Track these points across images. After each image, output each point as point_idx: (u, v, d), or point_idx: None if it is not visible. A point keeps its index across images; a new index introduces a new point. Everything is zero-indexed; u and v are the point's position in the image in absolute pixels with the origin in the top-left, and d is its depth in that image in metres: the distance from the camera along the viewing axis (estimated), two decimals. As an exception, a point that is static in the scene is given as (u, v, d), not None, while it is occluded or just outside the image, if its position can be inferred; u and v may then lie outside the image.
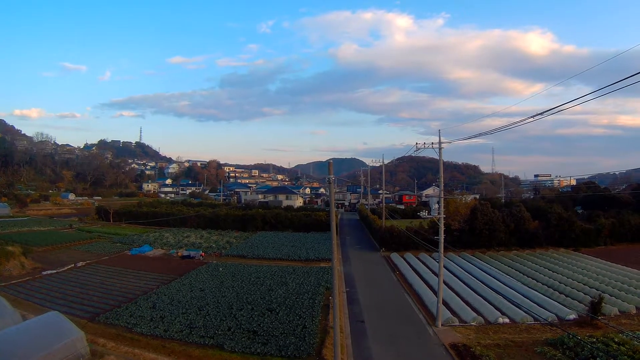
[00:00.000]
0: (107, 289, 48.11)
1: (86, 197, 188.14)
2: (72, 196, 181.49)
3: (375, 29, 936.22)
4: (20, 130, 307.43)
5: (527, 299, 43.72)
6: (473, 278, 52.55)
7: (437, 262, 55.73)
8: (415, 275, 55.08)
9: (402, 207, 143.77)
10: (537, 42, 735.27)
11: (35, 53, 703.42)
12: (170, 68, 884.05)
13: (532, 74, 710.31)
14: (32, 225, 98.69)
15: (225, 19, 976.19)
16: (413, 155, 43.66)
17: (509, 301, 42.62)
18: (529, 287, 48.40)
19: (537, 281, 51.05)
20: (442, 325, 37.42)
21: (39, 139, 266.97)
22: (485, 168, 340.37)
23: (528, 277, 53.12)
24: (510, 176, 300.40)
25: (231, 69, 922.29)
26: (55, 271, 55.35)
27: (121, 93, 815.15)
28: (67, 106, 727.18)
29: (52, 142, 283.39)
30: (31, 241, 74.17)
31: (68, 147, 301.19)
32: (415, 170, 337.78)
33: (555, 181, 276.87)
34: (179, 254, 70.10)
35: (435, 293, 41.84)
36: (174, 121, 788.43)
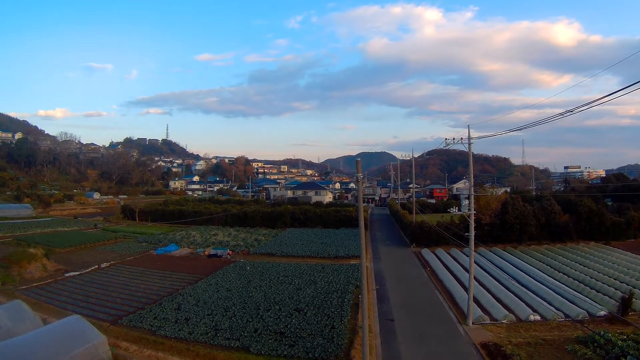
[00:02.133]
0: (131, 290, 48.58)
1: (111, 196, 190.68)
2: (97, 195, 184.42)
3: (405, 22, 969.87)
4: (44, 131, 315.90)
5: (558, 295, 43.52)
6: (504, 274, 52.32)
7: (469, 258, 54.89)
8: (446, 271, 55.24)
9: (433, 201, 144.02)
10: (564, 33, 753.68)
11: (60, 54, 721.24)
12: (198, 65, 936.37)
13: (561, 65, 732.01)
14: (55, 225, 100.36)
15: (253, 15, 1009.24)
16: (443, 148, 43.33)
17: (540, 298, 42.73)
18: (560, 283, 48.30)
19: (568, 276, 50.89)
20: (472, 323, 37.39)
21: (63, 139, 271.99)
22: (515, 160, 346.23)
23: (559, 272, 52.96)
24: (541, 168, 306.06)
25: (259, 65, 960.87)
26: (78, 273, 56.06)
27: (148, 91, 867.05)
28: (93, 105, 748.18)
29: (77, 141, 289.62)
30: (54, 242, 75.28)
31: (93, 146, 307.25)
32: (445, 163, 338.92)
33: (584, 173, 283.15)
34: (206, 252, 70.50)
35: (467, 290, 41.74)
36: (202, 118, 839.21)
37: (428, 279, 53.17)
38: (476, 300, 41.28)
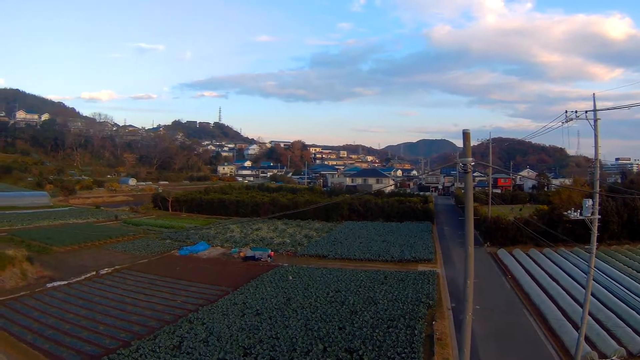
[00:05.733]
0: (125, 311, 39.07)
1: (150, 182, 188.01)
2: (132, 181, 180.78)
3: (467, 10, 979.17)
4: (80, 112, 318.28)
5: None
6: (596, 284, 44.29)
7: (552, 261, 56.28)
8: (530, 280, 49.79)
9: (498, 191, 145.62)
10: (616, 27, 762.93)
11: (105, 34, 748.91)
12: (257, 47, 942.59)
13: (612, 58, 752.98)
14: (69, 217, 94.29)
15: None
16: (560, 124, 36.03)
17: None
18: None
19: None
20: (581, 363, 30.59)
21: (99, 120, 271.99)
22: (569, 151, 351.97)
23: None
24: (593, 159, 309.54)
25: (321, 48, 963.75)
26: (65, 282, 47.31)
27: (203, 73, 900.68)
28: (142, 88, 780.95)
29: (112, 122, 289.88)
30: (54, 238, 68.08)
31: (131, 128, 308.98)
32: (504, 152, 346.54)
33: (634, 165, 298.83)
34: (242, 254, 62.06)
35: (558, 305, 39.54)
36: (260, 102, 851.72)
37: (512, 292, 47.64)
38: (572, 322, 36.30)
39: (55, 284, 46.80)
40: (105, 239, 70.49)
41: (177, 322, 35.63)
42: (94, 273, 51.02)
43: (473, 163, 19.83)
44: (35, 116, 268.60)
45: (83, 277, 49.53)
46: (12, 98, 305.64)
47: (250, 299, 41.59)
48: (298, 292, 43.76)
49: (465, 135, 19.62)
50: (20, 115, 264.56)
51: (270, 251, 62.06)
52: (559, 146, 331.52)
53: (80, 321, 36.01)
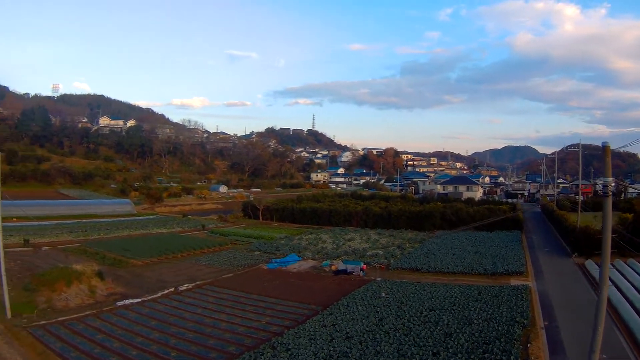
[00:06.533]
0: (203, 334, 36.02)
1: (241, 190, 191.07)
2: (223, 189, 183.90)
3: (547, 18, 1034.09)
4: (169, 118, 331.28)
5: None
6: None
7: (637, 272, 54.77)
8: (617, 292, 48.15)
9: (582, 197, 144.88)
10: None
11: (199, 42, 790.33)
12: (350, 55, 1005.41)
13: None
14: (152, 226, 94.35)
15: (405, 6, 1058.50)
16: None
17: None
18: None
19: None
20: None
21: (189, 127, 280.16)
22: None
23: None
24: None
25: (411, 57, 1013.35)
26: (138, 300, 44.84)
27: (296, 81, 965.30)
28: (234, 95, 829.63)
29: (202, 129, 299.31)
30: (133, 250, 66.64)
31: (222, 135, 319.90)
32: (583, 158, 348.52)
33: None
34: (333, 267, 59.66)
35: None
36: (353, 109, 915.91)
37: (601, 306, 43.30)
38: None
39: (127, 302, 44.38)
40: (189, 251, 69.10)
41: (259, 348, 32.32)
42: (172, 289, 48.64)
43: (614, 184, 18.84)
44: (120, 122, 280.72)
45: (160, 294, 47.16)
46: (96, 104, 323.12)
47: (340, 320, 38.31)
48: (391, 311, 40.85)
49: (605, 149, 18.85)
50: (104, 121, 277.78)
51: (363, 264, 59.49)
52: (633, 152, 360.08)
53: (150, 346, 33.16)
